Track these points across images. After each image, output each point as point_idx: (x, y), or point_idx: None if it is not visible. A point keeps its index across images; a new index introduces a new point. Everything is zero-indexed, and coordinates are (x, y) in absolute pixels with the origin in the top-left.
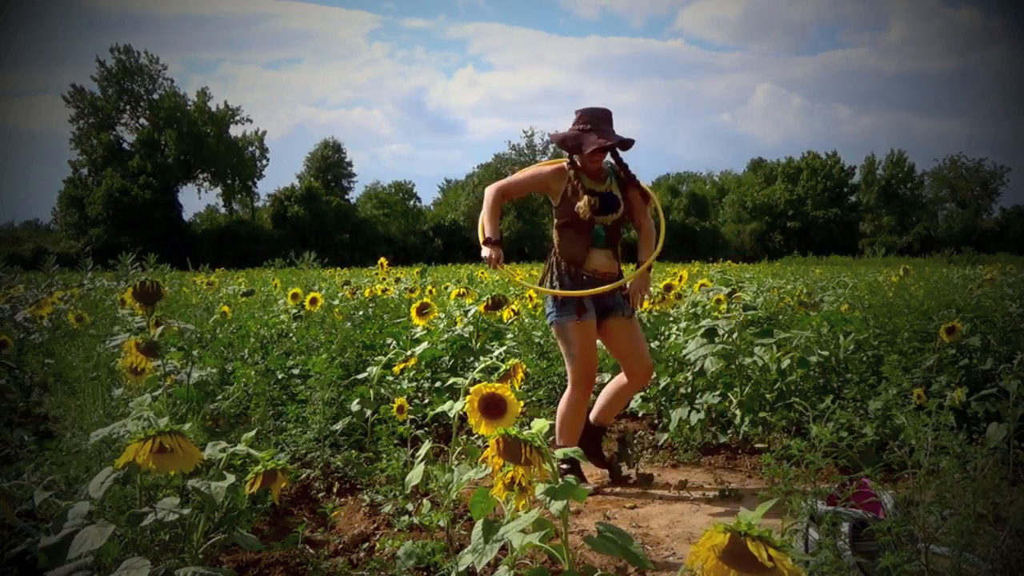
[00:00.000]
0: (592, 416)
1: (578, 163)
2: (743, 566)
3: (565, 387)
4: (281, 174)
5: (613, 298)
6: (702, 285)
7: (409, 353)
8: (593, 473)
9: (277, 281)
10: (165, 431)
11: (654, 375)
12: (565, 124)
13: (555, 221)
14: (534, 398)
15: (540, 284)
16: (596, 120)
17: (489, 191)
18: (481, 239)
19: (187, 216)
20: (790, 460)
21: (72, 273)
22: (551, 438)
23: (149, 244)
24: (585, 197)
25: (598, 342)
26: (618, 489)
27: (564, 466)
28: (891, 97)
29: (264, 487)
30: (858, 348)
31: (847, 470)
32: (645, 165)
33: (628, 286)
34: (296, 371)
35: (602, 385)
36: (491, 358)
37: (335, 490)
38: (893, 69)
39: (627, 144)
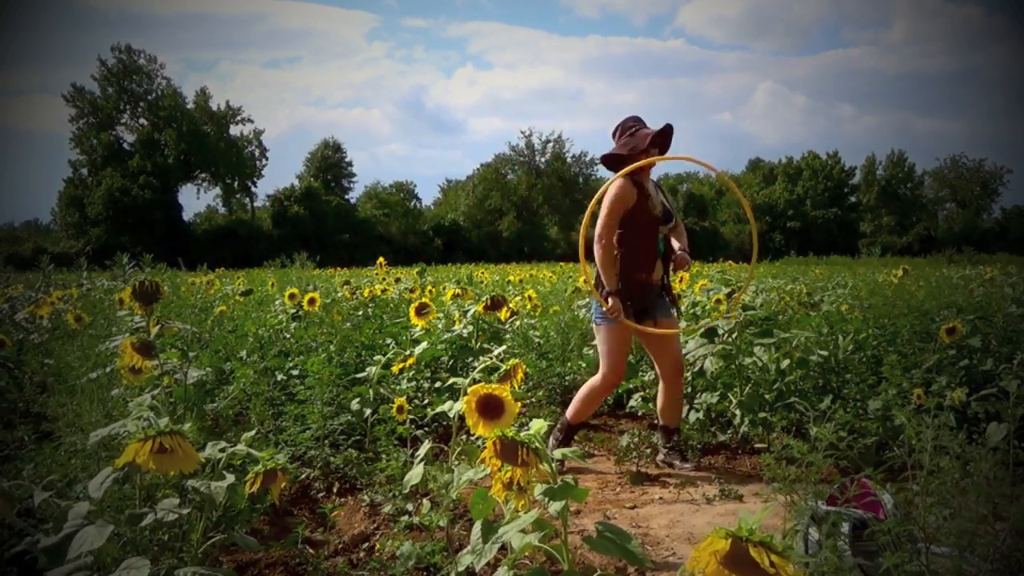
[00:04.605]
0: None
1: (635, 174)
2: (744, 571)
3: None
4: (281, 174)
5: (653, 302)
6: (702, 285)
7: (408, 353)
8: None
9: (274, 279)
10: (165, 431)
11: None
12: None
13: (618, 233)
14: (534, 398)
15: (596, 287)
16: (634, 125)
17: (600, 248)
18: (604, 290)
19: (187, 216)
20: (790, 461)
21: (70, 273)
22: (549, 438)
23: (149, 244)
24: (651, 197)
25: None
26: (618, 489)
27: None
28: (892, 97)
29: (264, 487)
30: (858, 348)
31: (847, 471)
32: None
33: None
34: (295, 371)
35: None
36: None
37: (335, 490)
38: (894, 68)
39: (669, 129)
